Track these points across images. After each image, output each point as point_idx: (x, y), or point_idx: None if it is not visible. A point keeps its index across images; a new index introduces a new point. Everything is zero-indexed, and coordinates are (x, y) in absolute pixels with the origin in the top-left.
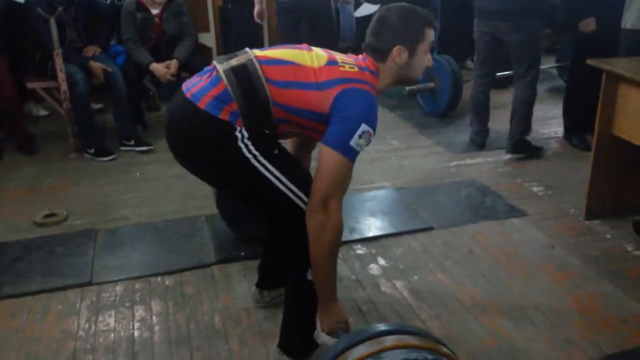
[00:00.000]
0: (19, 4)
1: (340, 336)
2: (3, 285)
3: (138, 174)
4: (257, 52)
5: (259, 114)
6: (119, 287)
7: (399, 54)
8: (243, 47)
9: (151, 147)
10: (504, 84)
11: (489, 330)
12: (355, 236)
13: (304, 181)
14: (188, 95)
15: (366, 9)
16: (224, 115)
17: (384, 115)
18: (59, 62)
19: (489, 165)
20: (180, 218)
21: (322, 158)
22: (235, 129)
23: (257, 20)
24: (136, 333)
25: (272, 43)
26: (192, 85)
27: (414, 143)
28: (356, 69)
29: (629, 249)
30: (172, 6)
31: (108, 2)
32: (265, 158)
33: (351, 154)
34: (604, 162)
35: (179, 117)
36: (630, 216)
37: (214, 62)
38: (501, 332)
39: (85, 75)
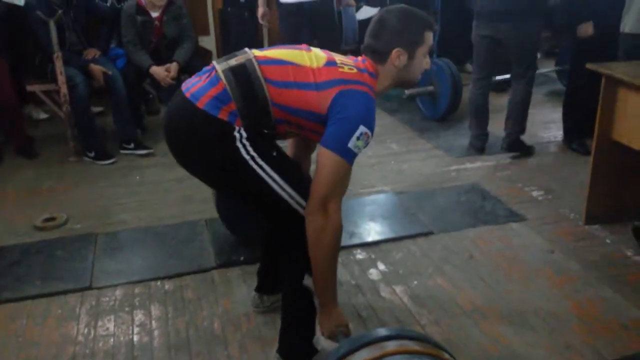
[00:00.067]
0: (19, 7)
1: (341, 340)
2: (2, 289)
3: (138, 177)
4: (257, 52)
5: (258, 114)
6: (118, 292)
7: (398, 56)
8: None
9: (151, 151)
10: (502, 87)
11: (489, 335)
12: (355, 241)
13: (301, 184)
14: (187, 95)
15: (365, 12)
16: (222, 115)
17: (383, 119)
18: (58, 65)
19: (489, 170)
20: (179, 222)
21: (321, 160)
22: (234, 128)
23: (260, 22)
24: (135, 338)
25: (273, 45)
26: (192, 85)
27: (413, 147)
28: (355, 70)
29: (629, 254)
30: (172, 9)
31: (108, 4)
32: (263, 160)
33: (349, 156)
34: (604, 167)
35: (178, 117)
36: (630, 221)
37: (213, 62)
38: (501, 337)
39: (85, 78)
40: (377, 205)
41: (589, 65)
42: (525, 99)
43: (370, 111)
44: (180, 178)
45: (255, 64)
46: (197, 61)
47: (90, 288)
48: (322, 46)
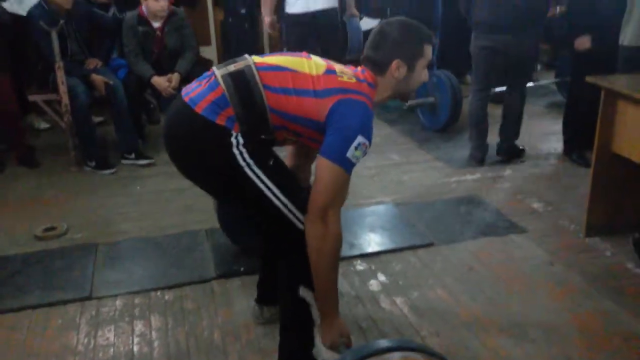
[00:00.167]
0: (22, 16)
1: (342, 351)
2: (2, 299)
3: (138, 187)
4: (256, 58)
5: (256, 120)
6: (118, 302)
7: (397, 68)
8: None
9: (152, 161)
10: (500, 99)
11: (489, 347)
12: (355, 252)
13: (296, 194)
14: (186, 99)
15: (366, 24)
16: (220, 121)
17: (383, 130)
18: (60, 75)
19: (489, 181)
20: (180, 232)
21: (319, 169)
22: (231, 134)
23: (268, 30)
24: (135, 348)
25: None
26: (191, 90)
27: (413, 158)
28: (354, 80)
29: (629, 266)
30: (174, 20)
31: (110, 15)
32: (259, 167)
33: (348, 166)
34: (604, 179)
35: (176, 122)
36: (630, 233)
37: (213, 68)
38: (501, 349)
39: (86, 88)
40: (377, 216)
41: (588, 78)
42: (521, 107)
43: (368, 121)
44: (181, 188)
45: (254, 70)
46: (198, 71)
47: (90, 298)
48: (326, 56)
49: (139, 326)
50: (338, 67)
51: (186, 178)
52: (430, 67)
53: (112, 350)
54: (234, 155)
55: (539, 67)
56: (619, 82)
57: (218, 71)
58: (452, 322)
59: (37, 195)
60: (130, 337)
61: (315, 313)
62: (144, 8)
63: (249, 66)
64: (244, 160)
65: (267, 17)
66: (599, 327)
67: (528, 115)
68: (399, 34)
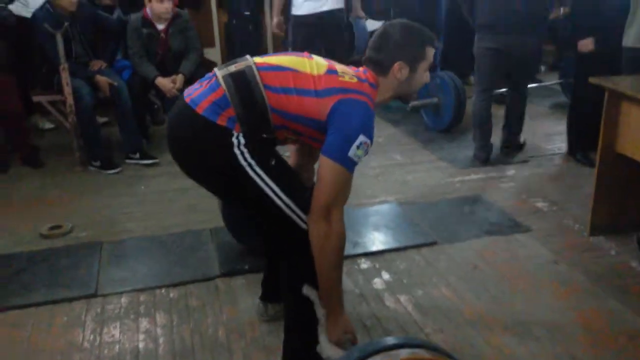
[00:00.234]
0: (26, 19)
1: (348, 347)
2: (8, 296)
3: (143, 187)
4: (257, 59)
5: (257, 120)
6: (123, 299)
7: (399, 69)
8: None
9: (156, 161)
10: (503, 99)
11: (493, 345)
12: (359, 250)
13: (299, 194)
14: (187, 100)
15: (372, 25)
16: (221, 121)
17: (387, 130)
18: (65, 77)
19: (493, 181)
20: (184, 231)
21: (322, 169)
22: (232, 135)
23: (275, 31)
24: (141, 345)
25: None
26: (193, 91)
27: (417, 158)
28: (355, 80)
29: (634, 265)
30: (178, 22)
31: (115, 17)
32: (260, 167)
33: (349, 165)
34: (608, 179)
35: (178, 123)
36: (635, 232)
37: (215, 69)
38: (505, 347)
39: (90, 90)
40: (381, 216)
41: (592, 80)
42: (523, 108)
43: (369, 120)
44: (185, 187)
45: (255, 70)
46: (202, 72)
47: (95, 295)
48: (332, 56)
49: (144, 323)
50: (340, 67)
51: (190, 179)
52: (432, 69)
53: (117, 347)
54: (235, 155)
55: (543, 68)
56: (623, 83)
57: (219, 72)
58: (456, 320)
59: (42, 195)
60: (136, 334)
61: (320, 311)
62: (148, 10)
63: (249, 66)
64: (245, 160)
65: (275, 18)
66: (604, 326)
67: (532, 115)
68: (401, 36)
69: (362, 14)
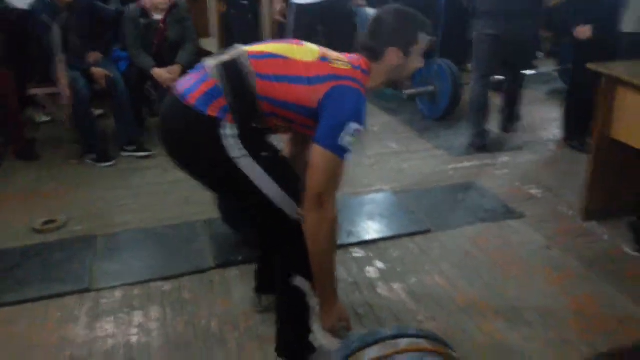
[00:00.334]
0: (23, 10)
1: (342, 335)
2: (2, 292)
3: (138, 179)
4: (248, 47)
5: (248, 109)
6: (117, 293)
7: (392, 54)
8: None
9: (151, 153)
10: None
11: (485, 331)
12: (353, 239)
13: (291, 185)
14: (178, 91)
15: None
16: (211, 111)
17: (383, 119)
18: (61, 68)
19: (488, 168)
20: (179, 223)
21: (314, 157)
22: (220, 126)
23: (277, 18)
24: (135, 339)
25: None
26: (184, 82)
27: (413, 146)
28: (349, 66)
29: (626, 250)
30: (175, 12)
31: (112, 7)
32: (253, 159)
33: (341, 152)
34: (602, 165)
35: (169, 115)
36: (628, 217)
37: (204, 60)
38: (497, 333)
39: (86, 82)
40: (376, 204)
41: (589, 65)
42: (519, 92)
43: (361, 107)
44: (179, 180)
45: (246, 58)
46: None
47: (89, 290)
48: (334, 44)
49: (138, 317)
50: (334, 54)
51: (182, 170)
52: (430, 55)
53: (111, 341)
54: (225, 147)
55: (541, 54)
56: (619, 69)
57: (210, 62)
58: (449, 307)
59: (37, 188)
60: (130, 328)
61: (313, 301)
62: (145, 0)
63: (240, 55)
64: (236, 152)
65: (277, 4)
66: (596, 310)
67: (529, 101)
68: (394, 21)
69: (362, 2)
